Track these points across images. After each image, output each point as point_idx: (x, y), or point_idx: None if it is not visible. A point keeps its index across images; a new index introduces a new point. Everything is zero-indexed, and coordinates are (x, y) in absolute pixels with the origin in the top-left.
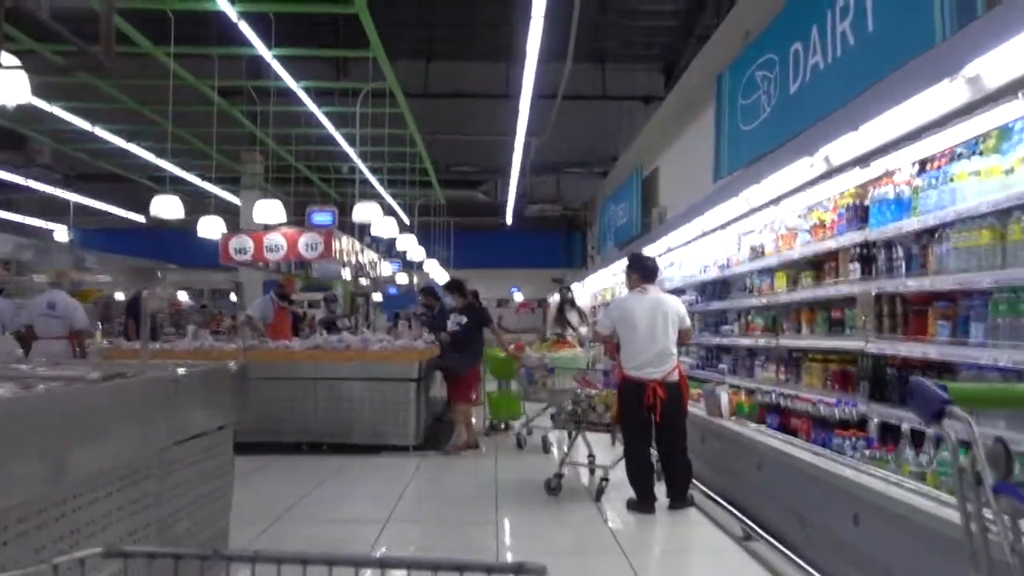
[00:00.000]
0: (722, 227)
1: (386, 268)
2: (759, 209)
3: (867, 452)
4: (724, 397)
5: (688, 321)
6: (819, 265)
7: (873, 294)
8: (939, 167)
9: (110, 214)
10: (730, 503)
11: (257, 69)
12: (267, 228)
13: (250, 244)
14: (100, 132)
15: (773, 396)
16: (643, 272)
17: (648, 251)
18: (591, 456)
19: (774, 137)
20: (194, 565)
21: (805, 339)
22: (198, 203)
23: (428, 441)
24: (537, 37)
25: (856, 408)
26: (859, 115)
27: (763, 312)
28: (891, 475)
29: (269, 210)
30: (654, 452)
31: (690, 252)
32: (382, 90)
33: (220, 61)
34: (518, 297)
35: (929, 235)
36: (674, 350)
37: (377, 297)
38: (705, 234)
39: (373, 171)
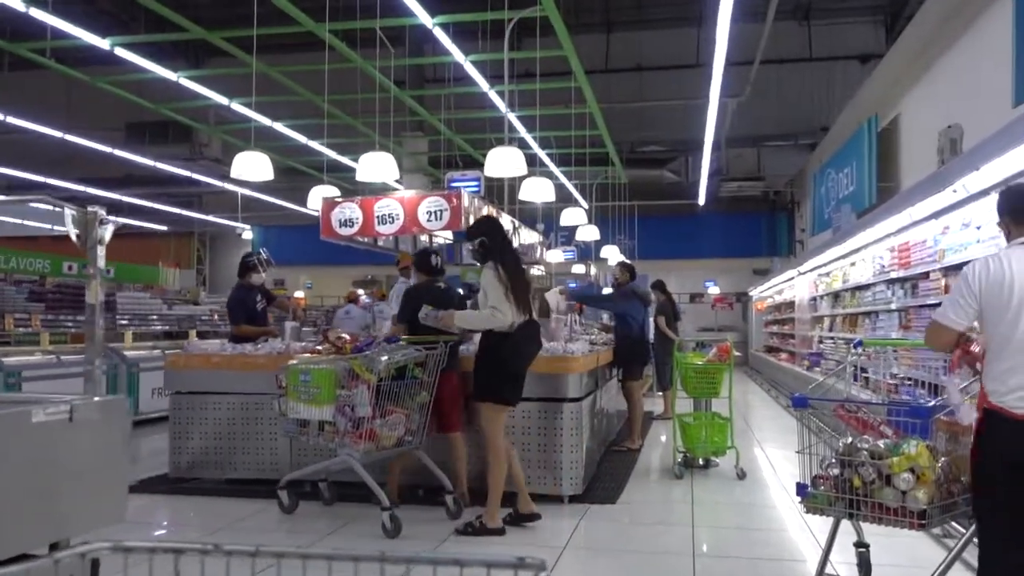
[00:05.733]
0: None
1: (555, 255)
2: None
3: None
4: None
5: None
6: None
7: None
8: None
9: (284, 209)
10: None
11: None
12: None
13: (358, 214)
14: (242, 110)
15: None
16: None
17: (926, 205)
18: (862, 548)
19: None
20: (194, 560)
21: None
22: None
23: (593, 487)
24: None
25: None
26: None
27: None
28: None
29: (377, 165)
30: None
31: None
32: (532, 21)
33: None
34: (714, 291)
35: None
36: None
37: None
38: None
39: (539, 144)
